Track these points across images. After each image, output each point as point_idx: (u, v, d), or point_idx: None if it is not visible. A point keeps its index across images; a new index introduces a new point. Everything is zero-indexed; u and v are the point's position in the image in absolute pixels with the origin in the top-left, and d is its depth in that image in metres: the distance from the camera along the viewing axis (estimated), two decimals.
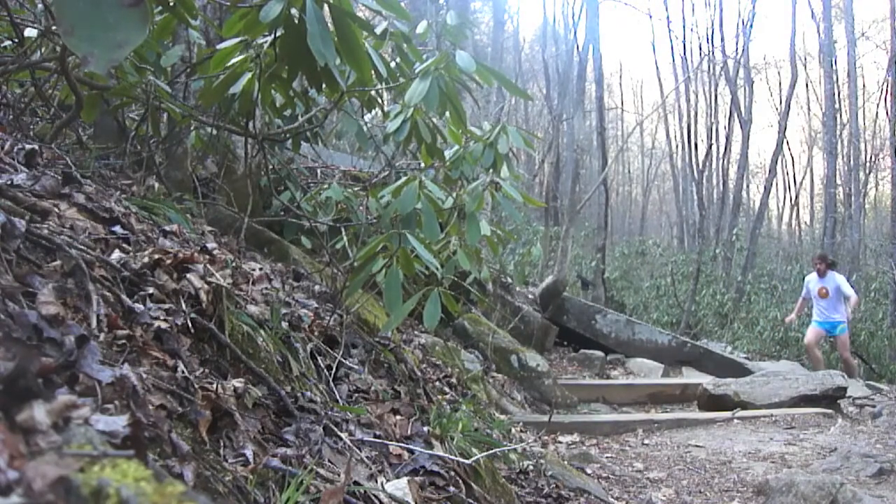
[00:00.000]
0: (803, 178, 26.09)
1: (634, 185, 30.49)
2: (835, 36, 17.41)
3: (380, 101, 2.81)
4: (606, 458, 2.99)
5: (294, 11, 1.66)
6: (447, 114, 2.30)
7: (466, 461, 1.63)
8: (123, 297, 1.13)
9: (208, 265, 1.40)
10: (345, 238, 2.74)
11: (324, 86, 1.89)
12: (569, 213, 8.80)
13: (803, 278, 13.18)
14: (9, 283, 0.92)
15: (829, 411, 4.05)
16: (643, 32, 51.15)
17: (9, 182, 1.26)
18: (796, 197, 25.72)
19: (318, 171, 4.35)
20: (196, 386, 1.08)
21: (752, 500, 2.44)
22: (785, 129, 16.22)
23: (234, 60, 2.04)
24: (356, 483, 1.19)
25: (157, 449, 0.86)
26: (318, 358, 1.74)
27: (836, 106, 17.33)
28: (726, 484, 2.61)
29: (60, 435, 0.56)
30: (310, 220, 2.93)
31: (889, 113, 16.31)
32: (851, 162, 18.16)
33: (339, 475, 1.18)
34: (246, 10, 1.80)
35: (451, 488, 1.44)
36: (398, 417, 1.73)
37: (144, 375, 0.98)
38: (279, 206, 3.22)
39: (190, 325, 1.22)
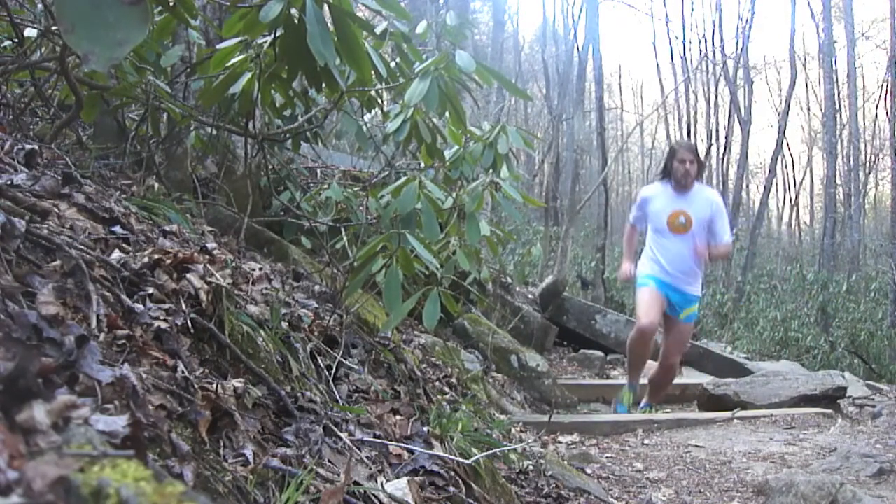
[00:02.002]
0: (803, 178, 26.09)
1: (634, 185, 30.49)
2: (834, 36, 17.43)
3: (380, 101, 2.81)
4: (606, 458, 2.99)
5: (294, 11, 1.66)
6: (447, 114, 2.30)
7: (466, 461, 1.63)
8: (123, 297, 1.13)
9: (208, 265, 1.40)
10: (345, 238, 2.74)
11: (324, 86, 1.89)
12: (569, 213, 8.80)
13: (803, 277, 13.00)
14: (9, 283, 0.92)
15: (829, 411, 4.05)
16: (643, 32, 51.20)
17: (9, 182, 1.25)
18: (796, 197, 25.74)
19: (318, 171, 4.35)
20: (196, 386, 1.08)
21: (752, 500, 2.44)
22: (785, 129, 16.24)
23: (233, 60, 2.04)
24: (356, 483, 1.19)
25: (157, 449, 0.86)
26: (318, 358, 1.74)
27: (836, 106, 17.34)
28: (726, 484, 2.61)
29: (60, 435, 0.56)
30: (310, 220, 2.93)
31: (889, 113, 16.32)
32: (851, 162, 18.18)
33: (339, 475, 1.18)
34: (246, 10, 1.80)
35: (451, 488, 1.44)
36: (398, 417, 1.73)
37: (144, 375, 0.98)
38: (279, 206, 3.22)
39: (190, 325, 1.22)
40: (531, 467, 2.20)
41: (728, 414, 3.91)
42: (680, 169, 4.04)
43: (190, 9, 1.93)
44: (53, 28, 1.96)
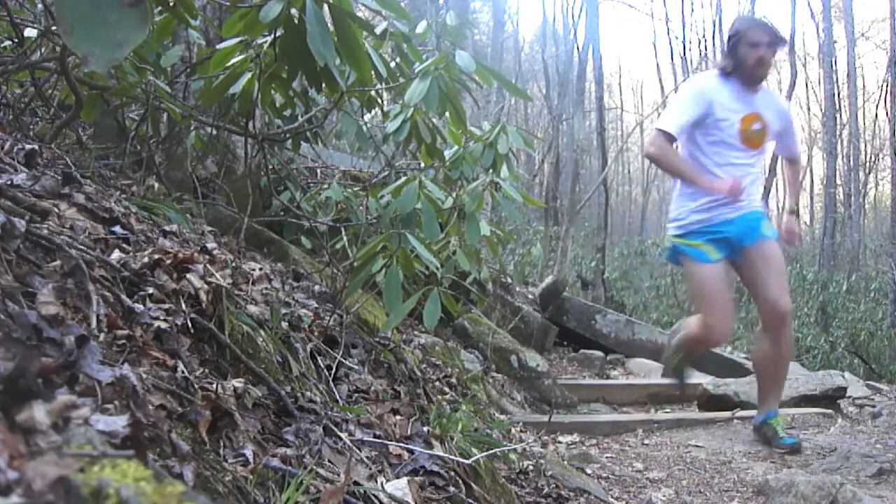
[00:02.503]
0: (803, 178, 26.07)
1: (634, 185, 30.48)
2: (834, 36, 17.44)
3: (380, 101, 2.81)
4: (606, 458, 2.99)
5: (294, 11, 1.66)
6: (447, 114, 2.30)
7: (466, 461, 1.63)
8: (123, 297, 1.13)
9: (208, 265, 1.40)
10: (345, 238, 2.74)
11: (324, 86, 1.90)
12: (569, 213, 8.80)
13: (803, 277, 12.96)
14: (9, 283, 0.92)
15: (829, 411, 4.04)
16: (643, 32, 51.20)
17: (9, 182, 1.25)
18: None
19: (318, 171, 4.35)
20: (196, 386, 1.08)
21: (752, 500, 2.44)
22: None
23: (233, 60, 2.04)
24: (356, 483, 1.19)
25: (157, 449, 0.86)
26: (318, 358, 1.74)
27: (836, 106, 17.34)
28: (726, 484, 2.61)
29: (60, 435, 0.56)
30: (310, 220, 2.93)
31: (889, 113, 16.33)
32: (851, 162, 18.18)
33: (339, 475, 1.18)
34: (246, 10, 1.80)
35: (451, 488, 1.44)
36: (398, 417, 1.73)
37: (144, 375, 0.98)
38: (279, 206, 3.22)
39: (190, 325, 1.22)
40: (531, 467, 2.20)
41: (728, 414, 3.91)
42: (752, 56, 2.79)
43: (190, 9, 1.93)
44: (53, 28, 1.96)
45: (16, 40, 2.06)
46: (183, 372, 1.07)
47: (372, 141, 3.01)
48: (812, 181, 26.86)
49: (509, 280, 6.71)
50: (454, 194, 2.71)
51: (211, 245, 1.66)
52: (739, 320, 11.99)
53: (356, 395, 1.76)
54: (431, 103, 2.13)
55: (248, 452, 1.08)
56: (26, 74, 2.23)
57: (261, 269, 1.99)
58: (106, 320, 1.02)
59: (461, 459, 1.63)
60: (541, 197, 13.01)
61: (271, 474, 1.08)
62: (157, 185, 2.31)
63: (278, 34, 1.78)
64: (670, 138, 2.89)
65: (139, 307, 1.13)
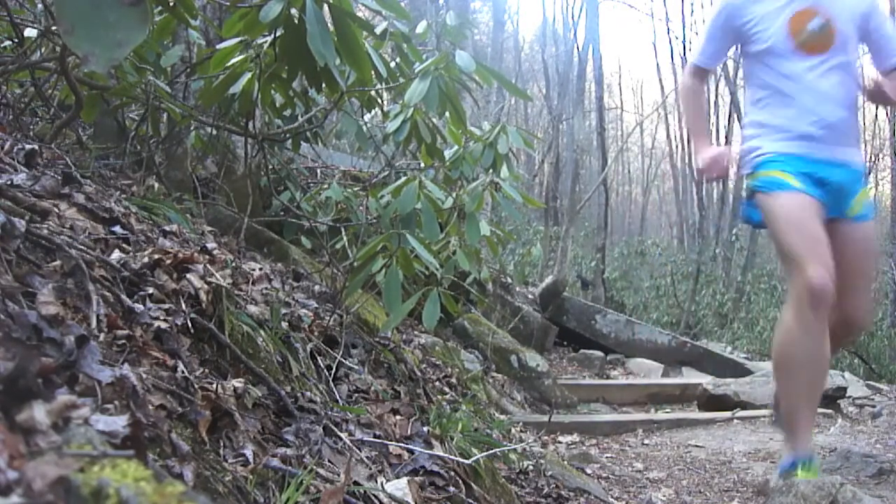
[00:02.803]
0: None
1: (634, 185, 30.49)
2: None
3: (380, 101, 2.81)
4: (606, 458, 2.99)
5: (294, 11, 1.66)
6: (447, 114, 2.30)
7: (466, 461, 1.63)
8: (123, 297, 1.13)
9: (208, 265, 1.40)
10: (345, 238, 2.74)
11: (324, 86, 1.90)
12: (569, 213, 8.81)
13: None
14: (9, 283, 0.92)
15: (829, 411, 4.05)
16: (643, 32, 51.18)
17: (9, 182, 1.25)
18: None
19: (318, 171, 4.35)
20: (196, 386, 1.08)
21: (752, 500, 2.44)
22: None
23: (233, 60, 2.04)
24: (356, 483, 1.19)
25: (157, 449, 0.86)
26: (318, 358, 1.74)
27: None
28: (726, 484, 2.61)
29: (60, 435, 0.56)
30: (310, 220, 2.93)
31: (889, 113, 16.31)
32: None
33: (339, 475, 1.18)
34: (246, 10, 1.80)
35: (451, 488, 1.44)
36: (398, 417, 1.73)
37: (144, 375, 0.98)
38: (279, 206, 3.22)
39: (190, 325, 1.22)
40: (531, 467, 2.20)
41: (728, 414, 3.91)
42: None
43: (190, 9, 1.93)
44: (53, 28, 1.96)
45: (16, 40, 2.06)
46: (183, 372, 1.07)
47: (372, 141, 3.01)
48: None
49: (509, 280, 6.71)
50: (454, 194, 2.71)
51: (211, 245, 1.66)
52: (739, 320, 11.98)
53: (356, 395, 1.76)
54: (431, 103, 2.13)
55: (248, 452, 1.08)
56: (26, 74, 2.23)
57: (261, 269, 1.99)
58: (106, 320, 1.02)
59: (461, 459, 1.63)
60: (541, 197, 13.02)
61: (271, 474, 1.08)
62: (157, 185, 2.31)
63: (278, 34, 1.78)
64: (699, 71, 2.49)
65: (139, 307, 1.13)
